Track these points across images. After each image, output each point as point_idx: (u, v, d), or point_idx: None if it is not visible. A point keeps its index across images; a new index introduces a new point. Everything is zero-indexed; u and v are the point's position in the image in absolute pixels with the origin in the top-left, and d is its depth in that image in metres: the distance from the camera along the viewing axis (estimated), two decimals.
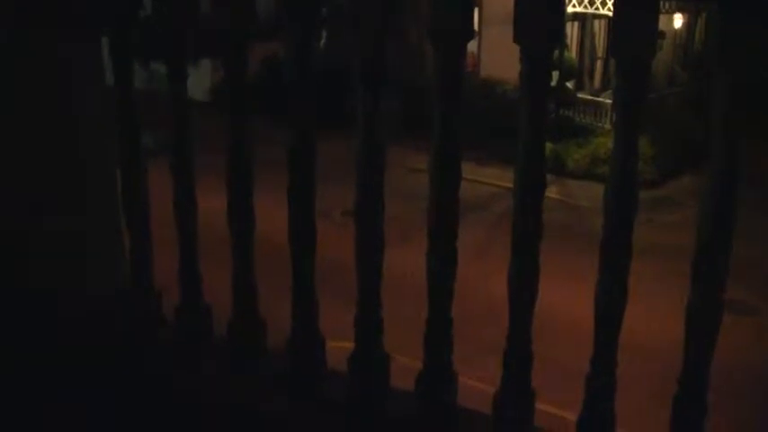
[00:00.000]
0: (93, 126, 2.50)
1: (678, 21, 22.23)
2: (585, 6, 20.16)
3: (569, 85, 20.65)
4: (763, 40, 1.55)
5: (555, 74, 16.90)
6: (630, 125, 1.74)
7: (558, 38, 1.81)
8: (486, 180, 16.60)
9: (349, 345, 2.11)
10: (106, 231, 2.57)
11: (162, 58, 2.22)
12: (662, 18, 20.84)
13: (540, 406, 2.03)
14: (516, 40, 1.75)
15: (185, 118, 2.27)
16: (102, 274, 2.58)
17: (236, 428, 2.26)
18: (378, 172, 1.99)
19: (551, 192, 15.78)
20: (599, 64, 22.74)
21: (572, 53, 21.39)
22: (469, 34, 1.85)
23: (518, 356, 1.97)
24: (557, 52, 16.45)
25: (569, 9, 20.01)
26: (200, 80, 21.02)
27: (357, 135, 1.96)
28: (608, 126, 19.11)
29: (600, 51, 22.36)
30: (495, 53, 16.66)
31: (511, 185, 1.90)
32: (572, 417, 1.96)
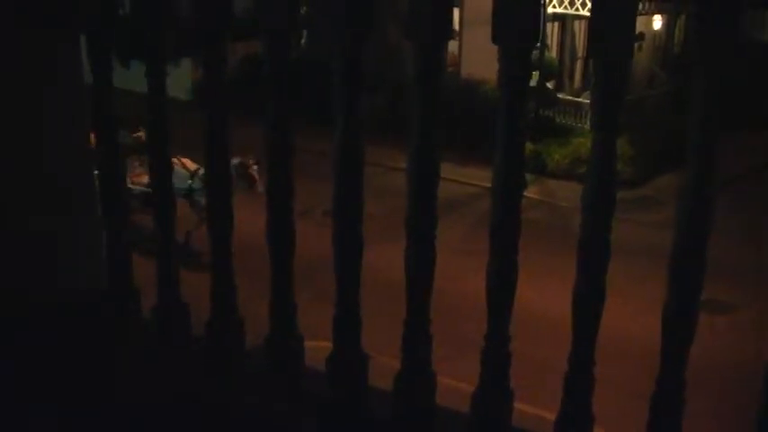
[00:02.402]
0: (71, 125, 2.48)
1: (657, 22, 22.36)
2: (566, 7, 20.23)
3: (549, 85, 20.71)
4: (740, 39, 1.55)
5: (535, 74, 16.94)
6: (608, 125, 1.75)
7: (537, 38, 1.80)
8: (466, 180, 16.60)
9: (327, 344, 2.11)
10: (84, 231, 2.55)
11: (141, 57, 2.20)
12: (641, 19, 20.86)
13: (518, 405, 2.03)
14: (495, 40, 1.75)
15: (164, 117, 2.25)
16: (79, 273, 2.56)
17: (214, 427, 2.25)
18: (356, 171, 1.98)
19: (532, 192, 15.90)
20: (579, 64, 22.83)
21: (552, 53, 21.46)
22: (447, 33, 1.84)
23: (496, 355, 1.97)
24: (537, 52, 16.52)
25: (550, 9, 20.09)
26: (181, 79, 20.95)
27: (335, 134, 1.96)
28: (588, 126, 19.18)
29: (580, 52, 22.45)
30: (476, 53, 16.68)
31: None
32: (550, 416, 1.97)
